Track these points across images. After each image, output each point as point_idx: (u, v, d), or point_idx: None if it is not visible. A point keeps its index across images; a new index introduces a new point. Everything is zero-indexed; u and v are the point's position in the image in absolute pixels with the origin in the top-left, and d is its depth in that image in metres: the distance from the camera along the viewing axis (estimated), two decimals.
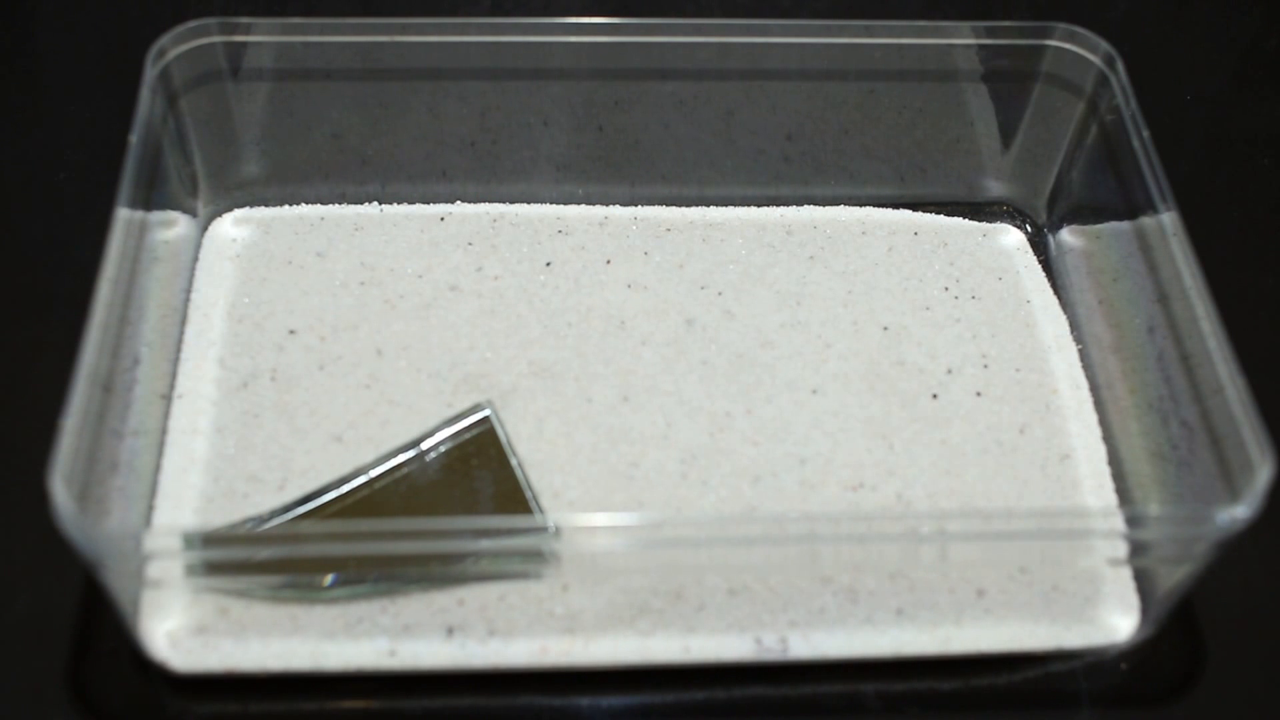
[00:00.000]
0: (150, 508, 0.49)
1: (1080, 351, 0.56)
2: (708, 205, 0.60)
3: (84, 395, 0.43)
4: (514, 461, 0.50)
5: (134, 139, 0.50)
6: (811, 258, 0.58)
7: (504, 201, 0.59)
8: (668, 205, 0.60)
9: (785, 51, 0.57)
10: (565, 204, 0.60)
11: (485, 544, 0.45)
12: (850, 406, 0.53)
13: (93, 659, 0.46)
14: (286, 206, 0.59)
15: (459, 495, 0.49)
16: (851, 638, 0.47)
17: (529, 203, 0.59)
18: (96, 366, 0.45)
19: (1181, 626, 0.49)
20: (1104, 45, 0.56)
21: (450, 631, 0.46)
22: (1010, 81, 0.58)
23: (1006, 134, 0.60)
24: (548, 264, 0.57)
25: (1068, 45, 0.56)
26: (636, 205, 0.60)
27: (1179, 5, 0.73)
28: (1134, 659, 0.48)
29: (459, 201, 0.59)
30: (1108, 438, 0.53)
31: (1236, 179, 0.64)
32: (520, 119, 0.59)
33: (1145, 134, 0.53)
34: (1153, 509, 0.49)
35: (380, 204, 0.59)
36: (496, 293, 0.56)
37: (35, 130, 0.63)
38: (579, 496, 0.50)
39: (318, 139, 0.58)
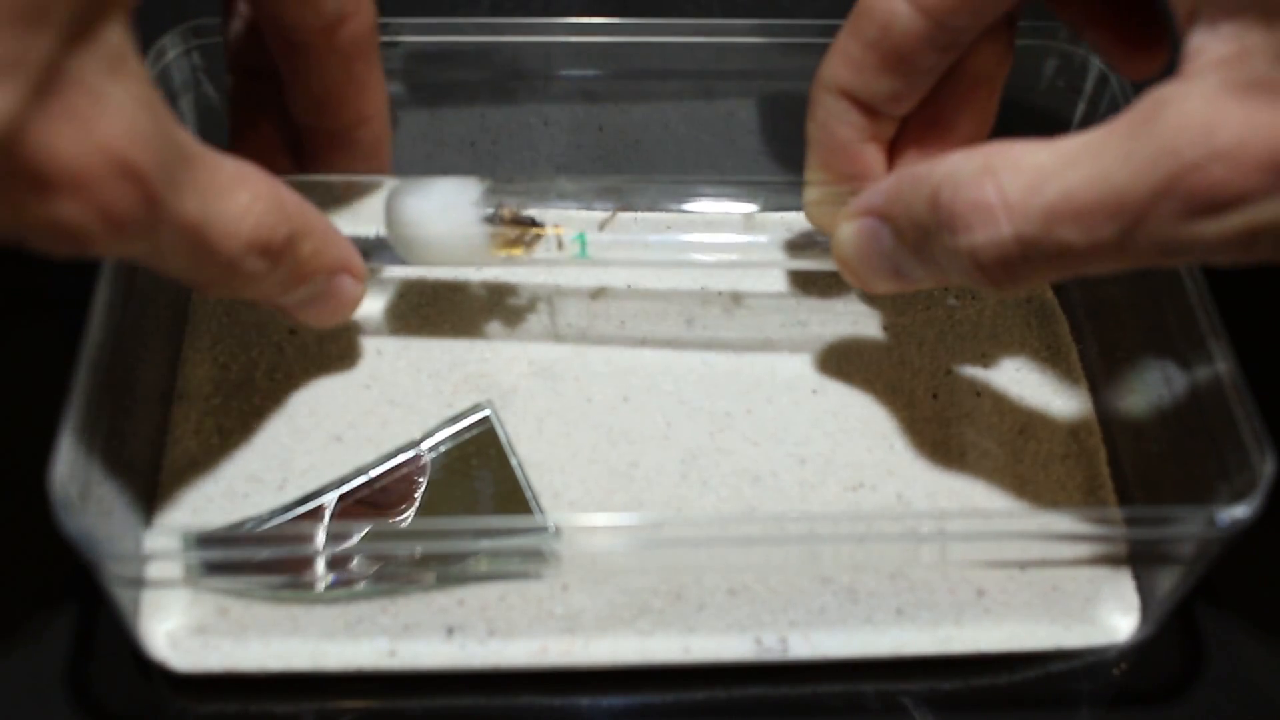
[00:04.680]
0: (150, 508, 0.49)
1: (1080, 351, 0.56)
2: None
3: (84, 395, 0.43)
4: (514, 461, 0.50)
5: None
6: None
7: None
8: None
9: (785, 51, 0.57)
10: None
11: (485, 544, 0.45)
12: (850, 406, 0.53)
13: (93, 659, 0.46)
14: None
15: (459, 495, 0.49)
16: (851, 638, 0.47)
17: None
18: (96, 366, 0.45)
19: (1181, 626, 0.49)
20: None
21: (450, 631, 0.46)
22: (1010, 82, 0.58)
23: (1007, 134, 0.59)
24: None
25: (1068, 46, 0.56)
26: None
27: None
28: (1134, 659, 0.48)
29: None
30: (1108, 438, 0.53)
31: None
32: (520, 119, 0.59)
33: None
34: (1153, 509, 0.49)
35: None
36: (497, 293, 0.56)
37: None
38: (579, 496, 0.50)
39: None
